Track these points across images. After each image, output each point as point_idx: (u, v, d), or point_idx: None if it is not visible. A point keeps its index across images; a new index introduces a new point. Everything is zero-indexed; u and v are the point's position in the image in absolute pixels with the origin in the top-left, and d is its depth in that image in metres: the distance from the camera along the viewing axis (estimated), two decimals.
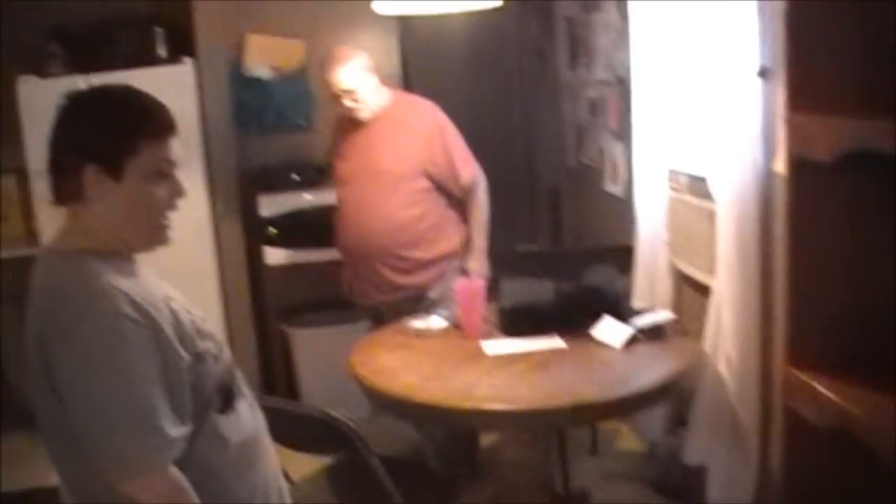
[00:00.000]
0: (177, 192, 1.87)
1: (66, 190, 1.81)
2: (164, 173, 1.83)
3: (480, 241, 3.94)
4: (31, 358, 1.76)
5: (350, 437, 2.53)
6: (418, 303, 3.83)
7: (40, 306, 1.75)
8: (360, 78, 3.78)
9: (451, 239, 3.92)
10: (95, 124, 1.80)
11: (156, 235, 1.88)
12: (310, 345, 4.72)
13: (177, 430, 1.72)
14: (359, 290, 3.99)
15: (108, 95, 1.86)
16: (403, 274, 3.85)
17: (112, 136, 1.78)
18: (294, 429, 2.49)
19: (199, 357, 1.82)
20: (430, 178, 3.82)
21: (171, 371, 1.74)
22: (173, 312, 1.80)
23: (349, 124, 3.93)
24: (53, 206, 1.86)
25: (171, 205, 1.87)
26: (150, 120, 1.83)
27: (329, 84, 3.79)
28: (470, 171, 3.93)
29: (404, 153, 3.80)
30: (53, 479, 1.94)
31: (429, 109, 3.96)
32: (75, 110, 1.81)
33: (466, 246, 3.92)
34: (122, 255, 1.84)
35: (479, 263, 3.88)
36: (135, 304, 1.72)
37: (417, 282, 3.86)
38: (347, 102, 3.78)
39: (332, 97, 3.83)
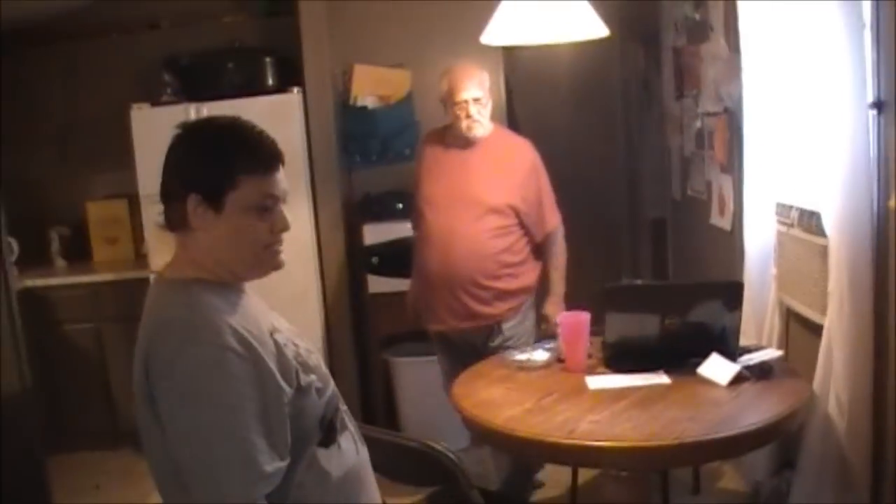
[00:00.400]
0: (280, 225, 1.88)
1: (173, 217, 1.85)
2: (266, 207, 1.84)
3: (560, 286, 4.04)
4: (137, 383, 1.79)
5: (451, 470, 2.50)
6: (491, 334, 3.89)
7: (147, 333, 1.78)
8: (486, 88, 3.83)
9: (529, 275, 3.96)
10: (199, 156, 1.83)
11: (263, 264, 1.89)
12: (411, 374, 4.73)
13: (272, 466, 1.73)
14: (433, 316, 3.97)
15: (215, 127, 1.90)
16: (482, 303, 3.85)
17: (214, 168, 1.81)
18: (394, 459, 2.48)
19: (301, 390, 1.82)
20: (518, 214, 3.83)
21: (271, 405, 1.74)
22: (277, 345, 1.81)
23: (441, 145, 3.93)
24: (163, 232, 1.89)
25: (273, 238, 1.87)
26: (253, 155, 1.84)
27: (453, 92, 3.79)
28: (556, 216, 4.03)
29: (500, 186, 3.81)
30: (153, 498, 1.97)
31: (528, 147, 3.97)
32: (184, 140, 1.85)
33: (543, 289, 4.00)
34: (230, 285, 1.86)
35: (557, 308, 3.94)
36: (239, 336, 1.73)
37: (494, 312, 3.87)
38: (470, 113, 3.76)
39: (451, 108, 3.81)
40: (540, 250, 4.00)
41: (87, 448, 5.29)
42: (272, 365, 1.76)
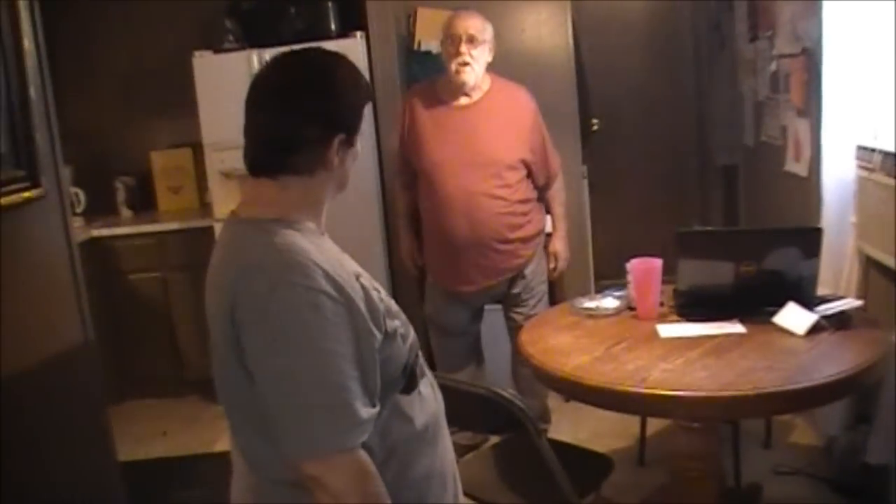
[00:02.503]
0: (357, 155, 1.89)
1: (302, 162, 1.78)
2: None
3: (565, 224, 4.19)
4: (218, 329, 1.72)
5: (519, 418, 2.46)
6: (514, 280, 3.99)
7: (232, 276, 1.70)
8: (486, 35, 3.80)
9: (540, 217, 4.04)
10: (350, 94, 1.81)
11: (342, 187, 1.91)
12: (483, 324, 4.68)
13: (367, 412, 1.66)
14: (462, 278, 3.96)
15: (345, 63, 1.84)
16: (510, 256, 3.92)
17: (353, 106, 1.81)
18: (463, 407, 2.43)
19: (388, 336, 1.76)
20: (528, 165, 3.88)
21: (364, 350, 1.68)
22: (364, 289, 1.74)
23: (436, 102, 3.88)
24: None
25: None
26: (366, 88, 1.87)
27: (448, 25, 3.80)
28: (557, 158, 4.11)
29: (511, 142, 3.84)
30: (219, 446, 1.94)
31: (527, 96, 3.97)
32: (328, 79, 1.79)
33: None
34: (314, 227, 1.82)
35: (563, 243, 4.17)
36: (331, 279, 1.66)
37: (519, 262, 3.95)
38: (461, 50, 3.73)
39: (445, 46, 3.81)
40: (541, 192, 4.06)
41: (153, 396, 5.38)
42: (363, 309, 1.70)
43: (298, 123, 1.75)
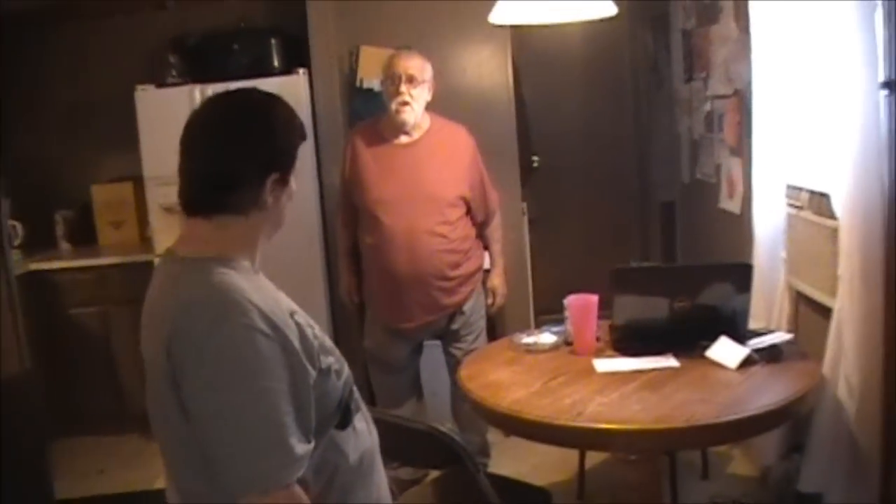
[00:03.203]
0: (293, 194, 1.91)
1: (238, 201, 1.80)
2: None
3: (502, 260, 4.24)
4: (155, 366, 1.73)
5: (457, 452, 2.49)
6: (453, 317, 4.01)
7: (169, 315, 1.71)
8: (426, 75, 3.85)
9: (479, 255, 4.10)
10: (284, 133, 1.83)
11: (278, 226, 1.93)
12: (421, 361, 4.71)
13: (302, 448, 1.69)
14: (404, 314, 3.96)
15: (280, 104, 1.87)
16: (450, 293, 3.94)
17: (288, 143, 1.83)
18: (403, 442, 2.46)
19: (322, 373, 1.79)
20: (468, 202, 3.93)
21: (299, 387, 1.70)
22: (299, 327, 1.77)
23: (378, 141, 3.92)
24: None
25: None
26: (300, 127, 1.89)
27: (388, 65, 3.85)
28: (496, 195, 4.18)
29: (451, 179, 3.88)
30: (159, 483, 1.95)
31: (466, 134, 4.02)
32: (264, 119, 1.82)
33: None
34: (246, 263, 1.83)
35: (501, 280, 4.21)
36: (266, 317, 1.69)
37: (458, 299, 3.98)
38: (401, 90, 3.77)
39: (385, 86, 3.86)
40: (479, 229, 4.12)
41: (92, 432, 5.29)
42: (297, 346, 1.72)
43: (233, 163, 1.78)
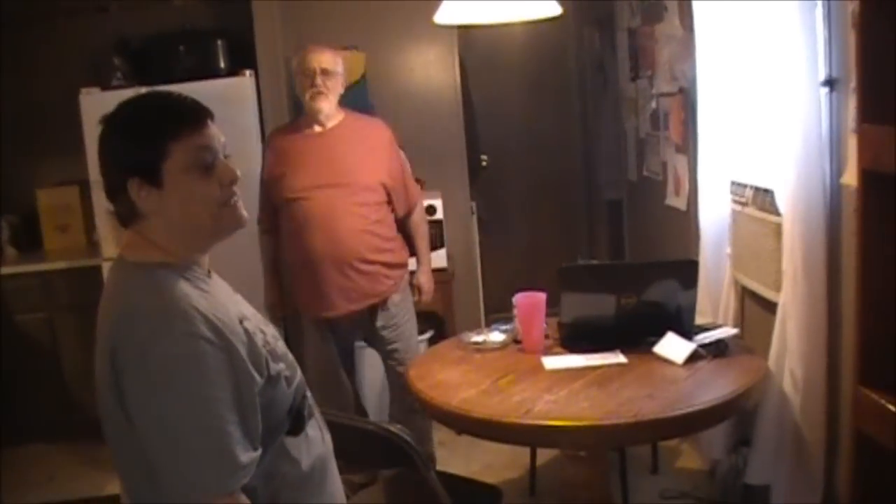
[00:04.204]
0: (228, 176, 1.80)
1: (124, 211, 1.78)
2: (206, 164, 1.77)
3: (427, 255, 4.23)
4: (101, 374, 1.71)
5: (408, 452, 2.49)
6: (375, 313, 3.96)
7: (113, 321, 1.70)
8: (338, 68, 3.87)
9: (403, 250, 4.05)
10: (123, 140, 1.76)
11: (224, 223, 1.82)
12: (371, 357, 4.71)
13: (247, 456, 1.67)
14: (324, 303, 3.89)
15: (129, 106, 1.81)
16: (372, 280, 3.88)
17: (140, 146, 1.74)
18: (352, 443, 2.46)
19: (271, 380, 1.77)
20: (387, 191, 3.90)
21: (243, 394, 1.69)
22: (248, 333, 1.75)
23: (294, 136, 3.93)
24: (122, 228, 1.83)
25: (225, 192, 1.80)
26: (173, 117, 1.77)
27: (302, 61, 3.83)
28: (417, 189, 4.20)
29: (367, 164, 3.87)
30: (109, 489, 1.94)
31: (383, 126, 4.04)
32: (107, 130, 1.78)
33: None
34: (195, 268, 1.80)
35: (427, 277, 4.19)
36: (210, 324, 1.67)
37: (382, 288, 3.92)
38: (315, 83, 3.78)
39: (299, 80, 3.86)
40: (403, 227, 4.09)
41: (40, 440, 5.21)
42: (243, 353, 1.71)
43: (105, 176, 1.79)
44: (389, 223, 3.96)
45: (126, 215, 1.79)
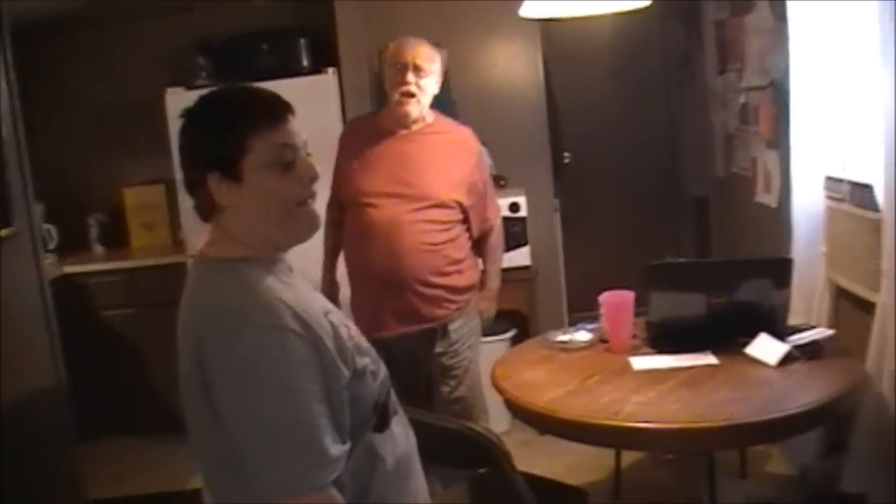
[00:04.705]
0: (308, 174, 1.80)
1: (203, 206, 1.79)
2: (286, 160, 1.77)
3: (496, 281, 3.79)
4: (187, 370, 1.71)
5: (493, 453, 2.45)
6: (435, 338, 3.55)
7: (199, 318, 1.70)
8: (435, 65, 3.45)
9: (473, 272, 3.64)
10: (204, 134, 1.77)
11: (300, 223, 1.81)
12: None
13: (337, 449, 1.65)
14: (376, 322, 3.44)
15: (209, 100, 1.82)
16: (431, 304, 3.47)
17: (221, 140, 1.75)
18: (435, 442, 2.42)
19: (357, 374, 1.75)
20: (463, 209, 3.51)
21: (332, 387, 1.67)
22: (333, 326, 1.73)
23: (373, 135, 3.53)
24: (202, 222, 1.84)
25: (304, 190, 1.80)
26: (255, 112, 1.77)
27: (394, 53, 3.44)
28: (498, 210, 3.80)
29: (446, 179, 3.46)
30: (192, 483, 1.93)
31: (472, 138, 3.64)
32: (187, 124, 1.80)
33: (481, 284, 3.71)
34: (277, 261, 1.80)
35: (491, 303, 3.76)
36: (297, 316, 1.65)
37: (442, 313, 3.50)
38: (407, 80, 3.36)
39: (389, 75, 3.44)
40: (477, 246, 3.69)
41: (127, 433, 5.30)
42: (331, 346, 1.69)
43: (185, 171, 1.80)
44: (461, 244, 3.55)
45: (205, 209, 1.80)
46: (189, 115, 1.80)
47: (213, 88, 1.89)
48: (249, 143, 1.74)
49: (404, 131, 3.50)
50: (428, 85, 3.42)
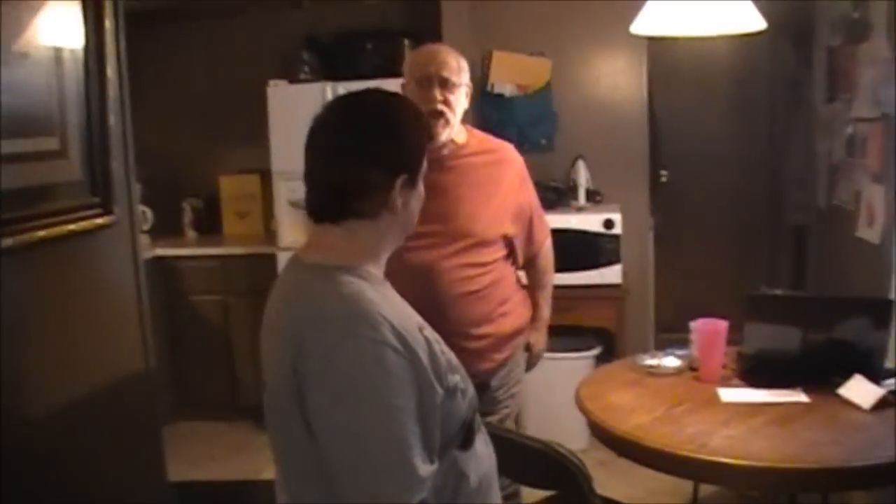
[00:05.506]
0: (422, 196, 1.86)
1: (366, 207, 1.75)
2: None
3: (546, 310, 3.32)
4: (279, 377, 1.70)
5: (574, 474, 2.42)
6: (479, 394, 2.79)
7: (300, 324, 1.68)
8: (463, 77, 2.94)
9: (522, 310, 3.18)
10: (401, 137, 1.77)
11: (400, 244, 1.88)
12: (535, 370, 4.67)
13: (426, 469, 1.64)
14: None
15: (394, 104, 1.83)
16: (475, 358, 2.85)
17: (415, 144, 1.79)
18: (517, 460, 2.40)
19: (449, 391, 1.74)
20: (508, 240, 3.06)
21: (426, 405, 1.66)
22: (428, 342, 1.72)
23: None
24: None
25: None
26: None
27: (421, 65, 2.91)
28: (545, 224, 3.29)
29: (489, 210, 2.98)
30: (266, 474, 1.94)
31: (512, 153, 3.14)
32: (376, 123, 1.77)
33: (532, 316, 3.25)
34: (377, 275, 1.80)
35: (542, 336, 3.33)
36: (396, 331, 1.64)
37: (486, 367, 3.00)
38: (434, 97, 2.84)
39: (414, 89, 2.89)
40: (525, 268, 3.27)
41: (206, 418, 5.40)
42: (426, 363, 1.68)
43: (363, 168, 1.73)
44: (509, 281, 3.11)
45: (364, 211, 1.76)
46: (370, 112, 1.79)
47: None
48: (424, 153, 1.81)
49: (434, 157, 2.58)
50: (458, 101, 2.92)
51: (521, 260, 3.15)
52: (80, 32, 2.79)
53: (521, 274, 3.26)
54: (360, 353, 1.61)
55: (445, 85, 2.86)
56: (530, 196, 3.18)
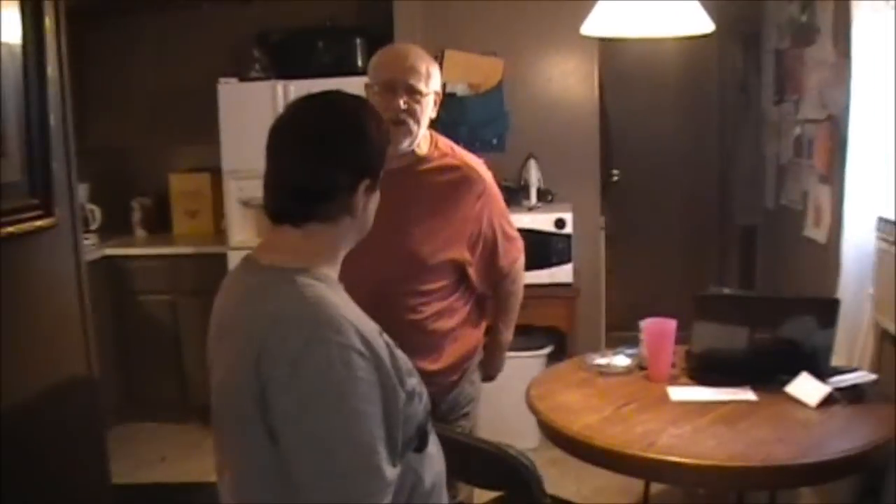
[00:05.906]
0: (378, 200, 1.87)
1: (329, 210, 1.75)
2: None
3: (508, 334, 3.15)
4: (240, 382, 1.66)
5: (524, 475, 2.42)
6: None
7: (258, 329, 1.65)
8: (433, 83, 2.72)
9: (471, 338, 2.96)
10: (366, 140, 1.76)
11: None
12: None
13: (391, 472, 1.64)
14: None
15: (360, 107, 1.82)
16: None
17: (379, 148, 1.79)
18: (468, 461, 2.40)
19: (409, 395, 1.74)
20: (464, 267, 2.83)
21: (390, 408, 1.65)
22: (388, 347, 1.71)
23: None
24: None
25: None
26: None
27: (386, 68, 2.67)
28: (515, 249, 3.03)
29: (444, 231, 2.76)
30: (214, 477, 1.92)
31: (479, 174, 2.84)
32: (343, 127, 1.76)
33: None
34: (334, 277, 1.79)
35: (499, 362, 3.18)
36: (360, 335, 1.63)
37: (432, 391, 2.52)
38: (397, 105, 2.60)
39: (375, 93, 2.65)
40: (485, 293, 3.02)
41: (155, 419, 5.34)
42: (389, 367, 1.67)
43: (325, 171, 1.72)
44: (460, 306, 2.88)
45: (328, 213, 1.75)
46: (347, 115, 1.78)
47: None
48: (385, 158, 1.82)
49: (389, 167, 2.11)
50: (423, 110, 2.67)
51: (479, 285, 2.92)
52: (17, 30, 2.75)
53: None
54: (327, 358, 1.59)
55: (411, 93, 2.62)
56: (496, 218, 2.90)
